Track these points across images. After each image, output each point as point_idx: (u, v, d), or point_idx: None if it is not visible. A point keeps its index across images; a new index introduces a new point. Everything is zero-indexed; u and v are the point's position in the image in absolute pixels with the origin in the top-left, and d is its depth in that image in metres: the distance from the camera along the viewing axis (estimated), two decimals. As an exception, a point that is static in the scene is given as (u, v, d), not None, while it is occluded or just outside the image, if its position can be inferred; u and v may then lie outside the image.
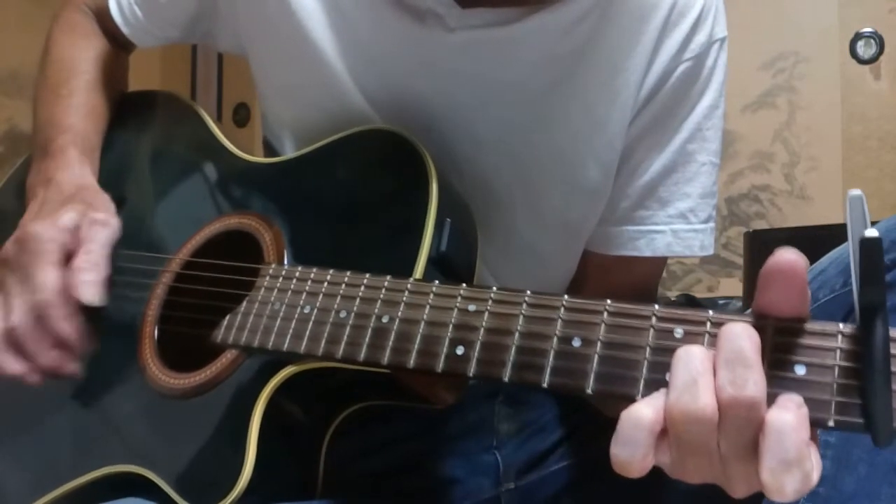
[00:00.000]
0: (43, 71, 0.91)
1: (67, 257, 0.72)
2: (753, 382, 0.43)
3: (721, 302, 1.90)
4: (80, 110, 0.86)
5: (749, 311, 0.48)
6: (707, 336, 0.47)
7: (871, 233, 0.43)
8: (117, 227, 0.76)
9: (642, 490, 0.77)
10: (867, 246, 0.43)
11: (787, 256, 0.44)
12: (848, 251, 0.68)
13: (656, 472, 0.48)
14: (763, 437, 0.43)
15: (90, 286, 0.71)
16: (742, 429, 0.44)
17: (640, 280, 0.87)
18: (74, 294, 0.70)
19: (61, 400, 0.76)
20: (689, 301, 1.87)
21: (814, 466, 0.43)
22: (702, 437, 0.44)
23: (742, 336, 0.44)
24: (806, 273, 0.45)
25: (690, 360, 0.45)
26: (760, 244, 1.73)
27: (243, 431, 0.62)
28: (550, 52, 0.76)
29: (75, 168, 0.81)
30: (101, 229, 0.74)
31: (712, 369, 0.45)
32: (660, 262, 0.88)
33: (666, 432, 0.45)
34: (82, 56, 0.90)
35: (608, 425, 0.80)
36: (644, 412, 0.45)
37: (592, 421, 0.82)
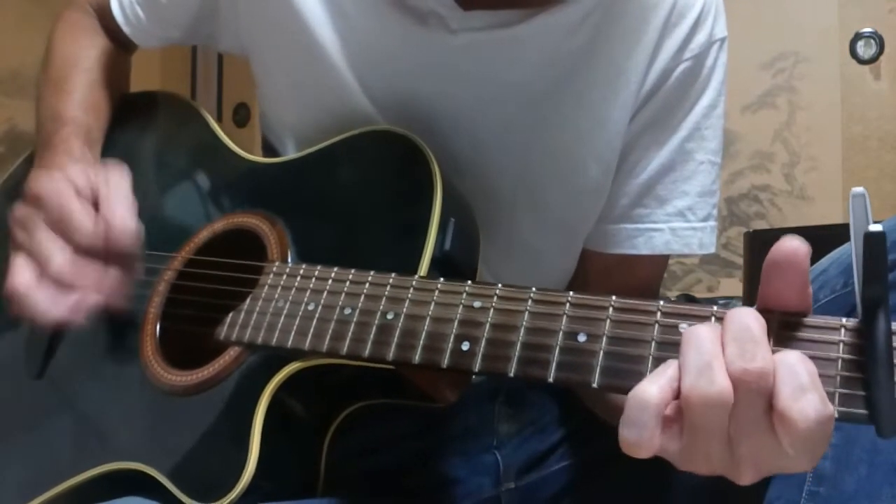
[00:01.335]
0: (45, 68, 0.91)
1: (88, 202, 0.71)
2: (761, 355, 0.44)
3: (721, 302, 1.90)
4: (82, 105, 0.86)
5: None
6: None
7: (875, 228, 0.43)
8: (128, 173, 0.74)
9: (642, 489, 0.78)
10: (871, 241, 0.44)
11: (791, 243, 0.46)
12: (848, 251, 0.68)
13: (657, 470, 0.48)
14: (774, 378, 0.43)
15: (127, 220, 0.69)
16: (753, 401, 0.44)
17: (642, 282, 0.87)
18: (113, 233, 0.68)
19: (63, 397, 0.76)
20: (689, 301, 1.87)
21: (826, 396, 0.44)
22: (718, 419, 0.44)
23: (748, 315, 0.45)
24: (808, 259, 0.46)
25: (701, 342, 0.45)
26: (760, 244, 1.73)
27: (246, 428, 0.62)
28: (552, 53, 0.77)
29: (77, 155, 0.80)
30: (112, 173, 0.72)
31: (721, 349, 0.45)
32: (660, 263, 0.88)
33: (674, 418, 0.45)
34: (85, 54, 0.90)
35: (607, 427, 0.81)
36: (650, 392, 0.45)
37: (592, 421, 0.82)
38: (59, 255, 0.68)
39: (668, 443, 0.46)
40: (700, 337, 0.45)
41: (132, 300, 0.72)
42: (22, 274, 0.68)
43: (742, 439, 0.45)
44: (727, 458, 0.46)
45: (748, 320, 0.45)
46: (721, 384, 0.44)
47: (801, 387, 0.43)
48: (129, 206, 0.70)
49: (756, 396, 0.44)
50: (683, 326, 0.49)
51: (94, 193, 0.71)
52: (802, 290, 0.47)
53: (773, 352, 0.45)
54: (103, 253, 0.69)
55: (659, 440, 0.45)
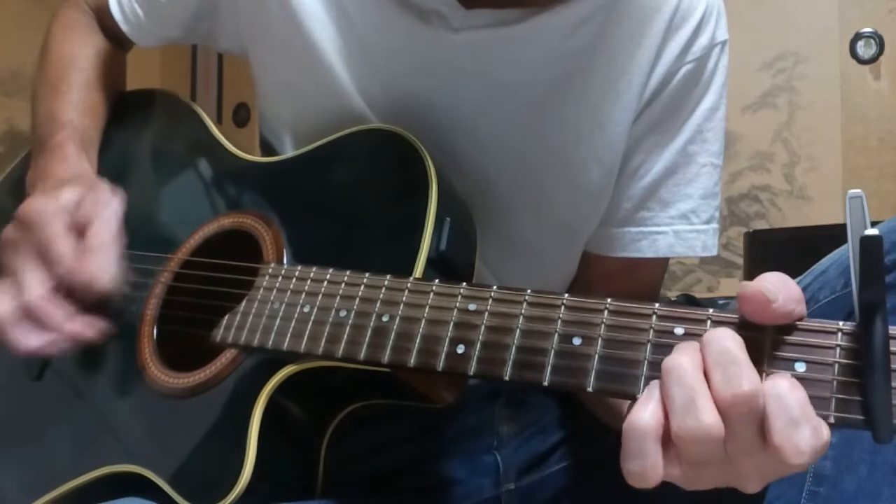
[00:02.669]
0: (42, 67, 0.91)
1: (75, 233, 0.71)
2: (747, 378, 0.44)
3: (721, 302, 1.90)
4: (78, 106, 0.86)
5: None
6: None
7: (872, 231, 0.43)
8: (120, 205, 0.74)
9: (642, 490, 0.77)
10: (867, 245, 0.44)
11: (750, 289, 0.46)
12: (848, 252, 0.68)
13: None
14: (765, 408, 0.43)
15: (104, 270, 0.68)
16: (746, 424, 0.44)
17: (643, 284, 0.87)
18: (86, 278, 0.68)
19: (61, 400, 0.76)
20: (689, 301, 1.87)
21: (821, 423, 0.44)
22: (712, 450, 0.44)
23: (725, 337, 0.45)
24: (771, 301, 0.46)
25: (682, 375, 0.45)
26: (760, 244, 1.73)
27: (243, 431, 0.62)
28: (554, 53, 0.76)
29: (73, 161, 0.80)
30: (104, 207, 0.72)
31: (705, 379, 0.45)
32: (662, 265, 0.88)
33: (669, 444, 0.45)
34: (81, 53, 0.90)
35: (607, 428, 0.80)
36: (644, 418, 0.45)
37: (593, 422, 0.82)
38: (35, 286, 0.68)
39: (670, 469, 0.46)
40: (681, 368, 0.45)
41: (110, 335, 0.71)
42: (0, 301, 0.68)
43: (741, 459, 0.45)
44: (731, 474, 0.46)
45: (726, 343, 0.45)
46: (708, 420, 0.44)
47: (793, 420, 0.43)
48: (112, 248, 0.70)
49: (748, 419, 0.44)
50: (679, 330, 0.49)
51: (86, 220, 0.70)
52: (778, 318, 0.47)
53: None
54: (81, 290, 0.68)
55: (662, 467, 0.45)
